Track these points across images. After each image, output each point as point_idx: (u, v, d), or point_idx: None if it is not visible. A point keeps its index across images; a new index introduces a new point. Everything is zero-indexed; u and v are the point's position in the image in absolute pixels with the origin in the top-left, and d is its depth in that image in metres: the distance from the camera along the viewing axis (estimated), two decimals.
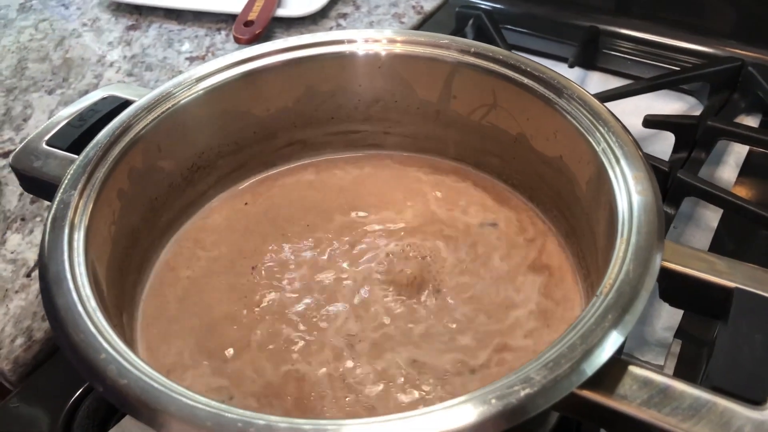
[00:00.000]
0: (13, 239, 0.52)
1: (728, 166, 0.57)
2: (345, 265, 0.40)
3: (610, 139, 0.34)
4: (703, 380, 0.28)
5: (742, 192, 0.55)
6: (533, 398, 0.25)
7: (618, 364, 0.28)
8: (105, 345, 0.28)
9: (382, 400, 0.34)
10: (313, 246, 0.41)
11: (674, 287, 0.31)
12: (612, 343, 0.27)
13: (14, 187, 0.56)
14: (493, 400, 0.25)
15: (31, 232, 0.53)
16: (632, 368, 0.28)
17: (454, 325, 0.37)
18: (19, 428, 0.42)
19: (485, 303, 0.38)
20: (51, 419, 0.41)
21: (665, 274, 0.30)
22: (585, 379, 0.26)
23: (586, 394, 0.27)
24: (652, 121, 0.57)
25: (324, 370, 0.35)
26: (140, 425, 0.40)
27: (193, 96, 0.39)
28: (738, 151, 0.58)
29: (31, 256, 0.51)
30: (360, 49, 0.42)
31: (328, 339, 0.36)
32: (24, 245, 0.52)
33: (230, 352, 0.36)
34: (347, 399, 0.34)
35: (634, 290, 0.28)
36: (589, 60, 0.66)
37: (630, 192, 0.32)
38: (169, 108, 0.38)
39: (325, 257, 0.41)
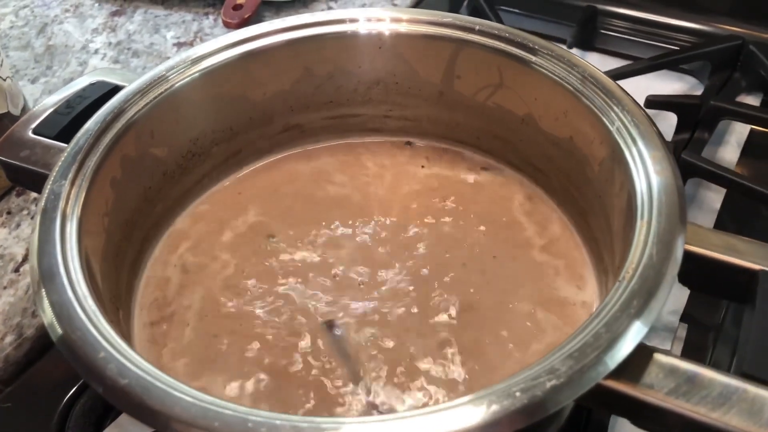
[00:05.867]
0: None
1: (730, 146, 0.56)
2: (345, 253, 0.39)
3: (624, 118, 0.33)
4: (732, 367, 0.27)
5: (745, 172, 0.54)
6: (560, 390, 0.24)
7: (643, 351, 0.26)
8: (104, 343, 0.26)
9: None
10: (312, 239, 0.40)
11: (695, 271, 0.30)
12: (638, 330, 0.26)
13: None
14: (518, 393, 0.24)
15: (18, 225, 0.51)
16: (657, 356, 0.27)
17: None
18: (11, 430, 0.40)
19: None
20: (44, 419, 0.39)
21: (686, 257, 0.29)
22: (611, 370, 0.25)
23: (611, 384, 0.26)
24: (654, 102, 0.56)
25: None
26: (138, 423, 0.39)
27: (187, 79, 0.38)
28: (739, 131, 0.57)
29: (19, 250, 0.49)
30: (361, 28, 0.40)
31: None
32: (11, 240, 0.50)
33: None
34: None
35: (658, 275, 0.27)
36: (587, 40, 0.65)
37: (648, 172, 0.31)
38: (162, 92, 0.37)
39: (321, 249, 0.39)
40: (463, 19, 0.40)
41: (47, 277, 0.28)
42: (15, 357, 0.44)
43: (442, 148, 0.45)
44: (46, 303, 0.28)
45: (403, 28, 0.40)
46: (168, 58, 0.66)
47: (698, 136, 0.54)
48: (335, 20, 0.40)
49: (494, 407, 0.23)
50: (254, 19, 0.67)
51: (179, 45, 0.68)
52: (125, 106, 0.36)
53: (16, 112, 0.52)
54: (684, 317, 0.43)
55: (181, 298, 0.37)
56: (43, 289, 0.28)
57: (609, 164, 0.34)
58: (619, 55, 0.64)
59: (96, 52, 0.68)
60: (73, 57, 0.67)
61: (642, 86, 0.59)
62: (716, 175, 0.49)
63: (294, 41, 0.40)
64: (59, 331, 0.27)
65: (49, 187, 0.32)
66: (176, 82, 0.37)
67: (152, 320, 0.36)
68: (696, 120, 0.55)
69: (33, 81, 0.64)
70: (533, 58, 0.38)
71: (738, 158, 0.55)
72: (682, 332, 0.43)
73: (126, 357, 0.26)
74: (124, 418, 0.39)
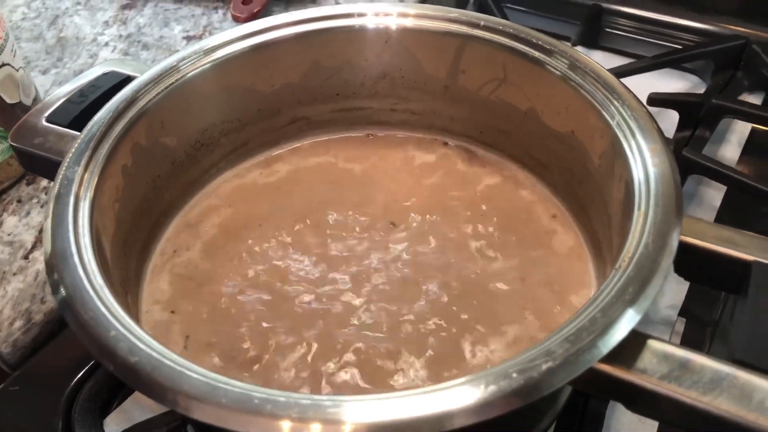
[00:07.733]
0: (10, 221, 0.51)
1: (731, 145, 0.57)
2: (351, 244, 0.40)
3: (624, 112, 0.34)
4: (724, 354, 0.27)
5: (745, 170, 0.54)
6: (555, 372, 0.25)
7: (637, 338, 0.27)
8: (114, 322, 0.27)
9: None
10: (314, 232, 0.41)
11: (691, 261, 0.31)
12: (632, 316, 0.26)
13: None
14: (515, 374, 0.24)
15: (28, 213, 0.52)
16: (651, 342, 0.27)
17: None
18: (19, 412, 0.41)
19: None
20: (51, 403, 0.40)
21: (682, 248, 0.30)
22: (606, 353, 0.26)
23: (605, 368, 0.26)
24: (656, 99, 0.56)
25: None
26: (142, 407, 0.40)
27: (198, 70, 0.38)
28: (740, 130, 0.58)
29: (29, 238, 0.50)
30: (369, 22, 0.41)
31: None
32: (21, 227, 0.51)
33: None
34: None
35: (653, 264, 0.28)
36: (591, 39, 0.66)
37: (646, 165, 0.31)
38: (174, 82, 0.37)
39: (326, 241, 0.40)
40: (469, 14, 0.41)
41: (61, 258, 0.29)
42: (23, 341, 0.45)
43: (449, 142, 0.45)
44: (59, 284, 0.28)
45: (410, 22, 0.40)
46: (177, 51, 0.67)
47: (699, 134, 0.55)
48: (344, 14, 0.41)
49: (491, 387, 0.24)
50: (263, 13, 0.68)
51: (188, 38, 0.69)
52: (137, 95, 0.36)
53: (27, 102, 0.53)
54: (682, 312, 0.44)
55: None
56: (56, 271, 0.29)
57: (609, 157, 0.35)
58: (624, 53, 0.65)
59: (106, 44, 0.68)
60: (84, 49, 0.68)
61: (645, 84, 0.60)
62: (717, 172, 0.50)
63: (303, 35, 0.40)
64: (71, 310, 0.28)
65: (62, 172, 0.33)
66: (187, 73, 0.38)
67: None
68: (697, 118, 0.55)
69: (44, 72, 0.65)
70: (537, 54, 0.38)
71: (738, 157, 0.56)
72: (680, 326, 0.44)
73: (136, 336, 0.27)
74: (129, 404, 0.40)
